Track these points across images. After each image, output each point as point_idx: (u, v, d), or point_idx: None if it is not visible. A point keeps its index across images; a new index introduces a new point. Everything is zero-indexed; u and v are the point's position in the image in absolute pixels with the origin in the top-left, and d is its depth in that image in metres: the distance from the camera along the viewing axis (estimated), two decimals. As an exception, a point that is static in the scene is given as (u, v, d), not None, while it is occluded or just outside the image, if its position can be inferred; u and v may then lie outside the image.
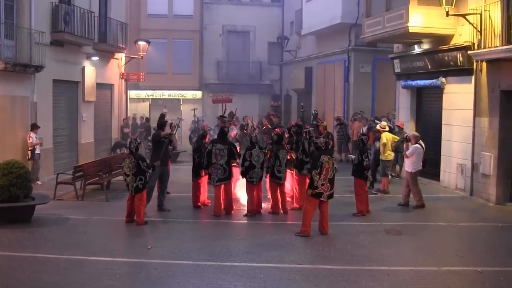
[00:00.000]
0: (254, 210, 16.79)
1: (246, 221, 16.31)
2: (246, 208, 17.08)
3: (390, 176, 22.29)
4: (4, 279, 11.00)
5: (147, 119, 36.70)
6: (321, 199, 14.30)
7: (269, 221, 16.38)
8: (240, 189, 18.20)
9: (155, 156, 17.10)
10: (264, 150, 17.04)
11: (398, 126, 22.29)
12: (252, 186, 16.77)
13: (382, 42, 26.32)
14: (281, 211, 17.06)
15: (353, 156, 17.60)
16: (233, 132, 19.47)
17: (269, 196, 17.40)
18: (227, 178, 16.87)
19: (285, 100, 42.50)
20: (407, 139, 18.43)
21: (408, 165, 17.98)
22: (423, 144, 18.03)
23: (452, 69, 20.44)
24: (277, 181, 16.89)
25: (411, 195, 18.07)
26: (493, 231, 15.41)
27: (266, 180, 17.35)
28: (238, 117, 23.89)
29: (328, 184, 14.20)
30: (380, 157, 20.45)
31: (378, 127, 21.04)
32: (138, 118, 37.75)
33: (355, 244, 13.63)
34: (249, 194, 16.84)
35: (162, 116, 18.60)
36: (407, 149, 18.09)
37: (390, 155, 20.26)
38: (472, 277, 11.29)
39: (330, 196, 14.43)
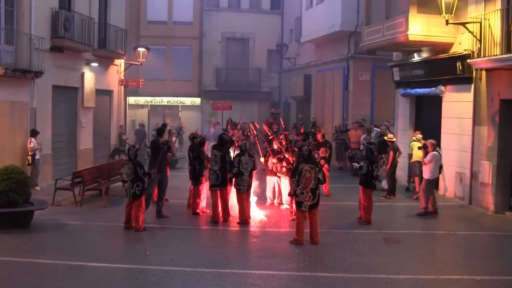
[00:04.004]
0: (246, 220, 16.66)
1: (244, 228, 16.26)
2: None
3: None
4: (3, 284, 11.01)
5: (142, 125, 36.67)
6: (301, 208, 14.22)
7: (268, 228, 16.36)
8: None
9: (153, 163, 17.13)
10: (253, 158, 16.98)
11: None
12: (241, 194, 16.68)
13: (381, 50, 26.29)
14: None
15: (357, 164, 17.56)
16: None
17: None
18: (221, 184, 16.80)
19: (284, 107, 42.46)
20: (424, 147, 18.46)
21: (426, 172, 18.00)
22: (440, 151, 18.11)
23: (452, 78, 20.42)
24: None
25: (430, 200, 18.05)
26: (492, 240, 15.43)
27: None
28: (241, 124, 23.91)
29: (310, 194, 14.06)
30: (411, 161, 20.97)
31: (414, 138, 21.36)
32: (137, 124, 37.75)
33: (354, 252, 13.62)
34: (240, 203, 16.72)
35: (164, 125, 18.60)
36: (425, 156, 18.12)
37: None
38: (470, 286, 11.29)
39: (313, 206, 14.20)
